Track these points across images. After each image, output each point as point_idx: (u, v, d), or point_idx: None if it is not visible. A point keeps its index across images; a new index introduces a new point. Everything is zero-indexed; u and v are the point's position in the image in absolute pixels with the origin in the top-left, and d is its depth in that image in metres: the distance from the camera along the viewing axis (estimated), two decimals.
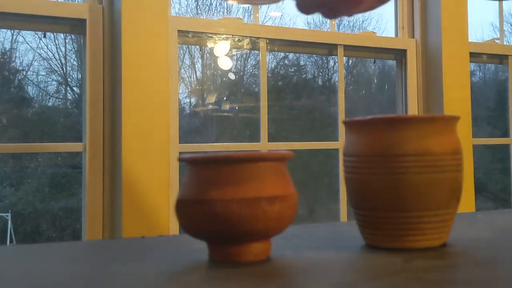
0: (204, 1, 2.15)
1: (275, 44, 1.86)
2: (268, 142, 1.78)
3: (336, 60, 1.97)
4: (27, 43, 1.77)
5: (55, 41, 1.85)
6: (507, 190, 2.56)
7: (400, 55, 2.09)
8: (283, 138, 2.03)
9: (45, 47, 1.81)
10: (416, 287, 0.44)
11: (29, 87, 1.87)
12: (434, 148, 0.58)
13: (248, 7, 1.94)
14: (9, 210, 1.93)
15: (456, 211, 0.62)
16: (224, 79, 2.00)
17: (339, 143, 1.94)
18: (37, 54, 1.78)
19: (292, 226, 0.58)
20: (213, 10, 2.19)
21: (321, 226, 0.80)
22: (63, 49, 1.88)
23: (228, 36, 1.76)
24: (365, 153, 0.59)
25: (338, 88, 1.97)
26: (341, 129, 1.95)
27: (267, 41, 1.83)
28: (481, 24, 3.24)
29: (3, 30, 1.68)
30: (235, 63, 2.02)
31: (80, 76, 1.80)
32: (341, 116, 1.96)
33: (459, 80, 2.03)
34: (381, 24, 2.42)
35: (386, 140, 0.58)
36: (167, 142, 1.54)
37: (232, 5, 2.16)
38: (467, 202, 1.99)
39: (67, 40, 1.89)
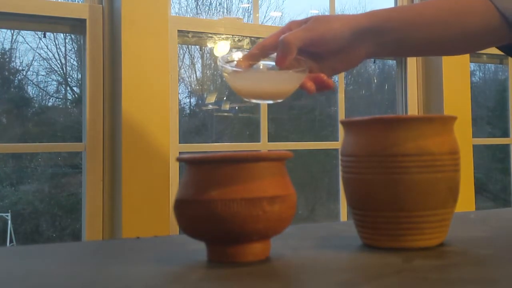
0: (204, 1, 2.15)
1: None
2: (268, 142, 1.79)
3: None
4: (27, 43, 1.77)
5: (55, 41, 1.85)
6: (507, 190, 2.56)
7: None
8: (283, 138, 2.03)
9: (45, 47, 1.81)
10: (416, 286, 0.45)
11: (29, 87, 1.87)
12: (432, 148, 0.58)
13: (248, 7, 1.94)
14: (9, 210, 1.93)
15: (453, 210, 0.62)
16: (224, 79, 2.00)
17: (339, 143, 1.94)
18: (37, 54, 1.78)
19: (291, 226, 0.58)
20: (213, 10, 2.19)
21: (319, 226, 0.80)
22: (63, 49, 1.89)
23: (228, 36, 1.76)
24: (363, 153, 0.59)
25: (338, 88, 1.97)
26: (341, 129, 1.95)
27: None
28: None
29: (3, 30, 1.68)
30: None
31: (80, 76, 1.80)
32: (341, 116, 1.96)
33: (459, 80, 2.03)
34: None
35: (384, 140, 0.58)
36: (167, 142, 1.54)
37: (232, 5, 2.16)
38: (467, 202, 1.99)
39: (67, 40, 1.89)
